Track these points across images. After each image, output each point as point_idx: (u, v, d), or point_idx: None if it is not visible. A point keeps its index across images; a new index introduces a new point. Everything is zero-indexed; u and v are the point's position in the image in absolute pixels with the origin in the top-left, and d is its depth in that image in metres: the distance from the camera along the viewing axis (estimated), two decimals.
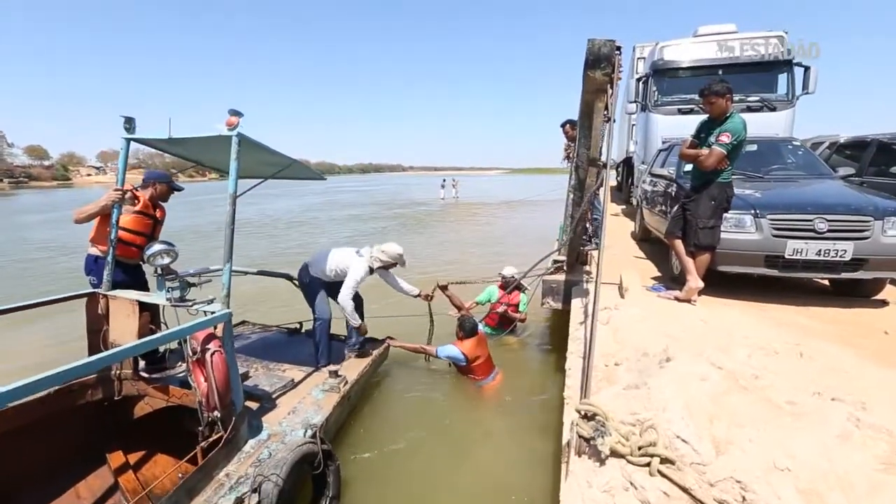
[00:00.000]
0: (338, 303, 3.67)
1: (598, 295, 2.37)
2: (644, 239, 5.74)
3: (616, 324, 2.79)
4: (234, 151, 2.20)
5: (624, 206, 9.44)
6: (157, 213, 3.12)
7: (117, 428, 2.59)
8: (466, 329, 3.93)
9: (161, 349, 3.14)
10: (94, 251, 2.91)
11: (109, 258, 2.62)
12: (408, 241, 10.89)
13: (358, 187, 49.90)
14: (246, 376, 2.92)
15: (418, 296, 3.89)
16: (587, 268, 4.46)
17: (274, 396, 2.75)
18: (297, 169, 3.03)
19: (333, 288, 3.54)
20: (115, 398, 2.56)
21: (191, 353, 2.14)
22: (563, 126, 5.56)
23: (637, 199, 6.44)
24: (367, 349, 3.67)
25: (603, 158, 3.22)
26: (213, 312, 2.17)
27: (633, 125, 9.62)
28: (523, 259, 5.38)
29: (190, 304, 2.27)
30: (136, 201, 2.96)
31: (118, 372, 2.57)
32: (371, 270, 3.46)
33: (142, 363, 2.96)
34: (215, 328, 2.19)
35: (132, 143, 2.54)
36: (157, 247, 2.38)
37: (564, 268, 4.27)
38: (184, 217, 17.80)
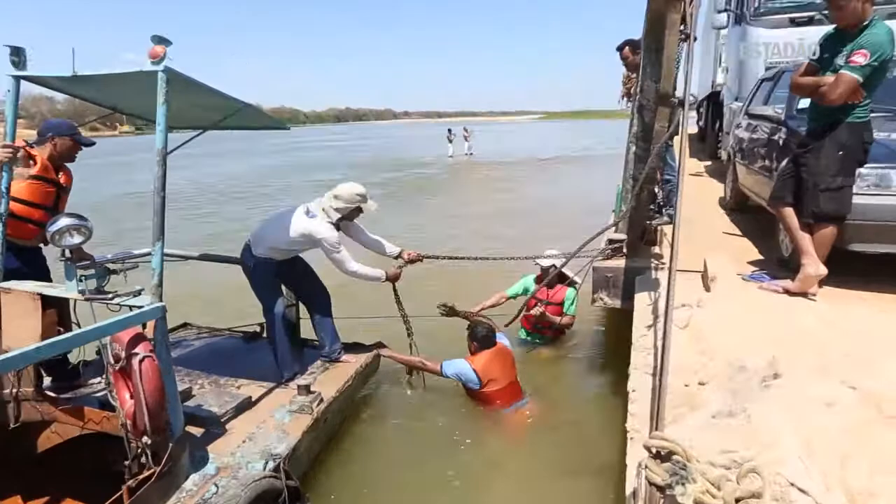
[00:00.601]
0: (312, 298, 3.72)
1: (673, 287, 2.28)
2: (738, 208, 5.63)
3: (699, 327, 2.74)
4: (161, 93, 2.24)
5: (709, 163, 9.28)
6: (61, 178, 3.13)
7: (15, 464, 2.63)
8: (478, 337, 3.89)
9: (73, 360, 3.19)
10: None
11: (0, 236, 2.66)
12: (400, 220, 10.84)
13: (331, 141, 49.28)
14: (188, 394, 3.02)
15: (399, 256, 3.95)
16: (656, 250, 4.39)
17: (224, 419, 2.86)
18: (250, 116, 3.05)
19: (287, 269, 3.61)
20: (12, 426, 2.62)
21: (112, 361, 2.21)
22: (620, 49, 5.36)
23: (728, 152, 6.28)
24: (348, 358, 3.74)
25: (679, 94, 3.15)
26: (140, 307, 2.25)
27: (723, 45, 9.32)
28: (565, 240, 5.29)
29: (110, 296, 2.33)
30: (32, 162, 2.98)
31: (14, 391, 2.62)
32: (337, 226, 3.52)
33: (47, 379, 3.01)
34: (144, 327, 2.27)
35: (22, 83, 2.57)
36: (63, 221, 2.40)
37: (624, 250, 4.19)
38: (84, 187, 17.93)
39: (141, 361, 2.13)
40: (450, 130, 28.26)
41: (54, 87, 2.71)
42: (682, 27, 2.83)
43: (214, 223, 12.08)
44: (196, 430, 2.68)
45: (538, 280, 4.69)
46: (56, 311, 2.59)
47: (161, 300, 2.30)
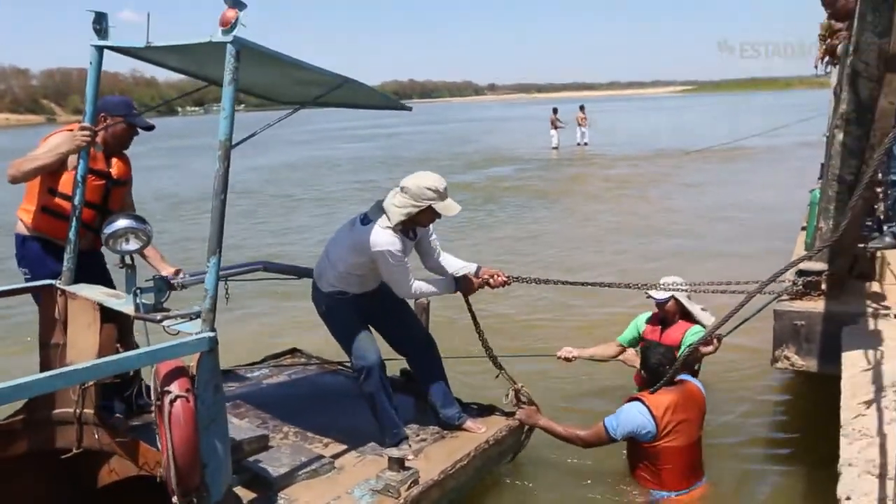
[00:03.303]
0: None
1: None
2: None
3: None
4: (229, 69, 1.98)
5: None
6: (113, 170, 2.96)
7: (75, 499, 2.55)
8: (652, 366, 2.89)
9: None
10: (26, 230, 2.86)
11: (72, 234, 2.60)
12: (468, 248, 8.05)
13: (380, 127, 38.13)
14: (263, 444, 2.68)
15: (476, 275, 3.05)
16: (874, 287, 3.53)
17: (288, 485, 2.48)
18: (355, 92, 2.79)
19: (371, 305, 2.99)
20: (75, 450, 2.50)
21: (153, 397, 2.09)
22: None
23: None
24: (474, 426, 3.04)
25: None
26: (187, 335, 2.07)
27: None
28: (731, 274, 3.80)
29: (158, 317, 2.19)
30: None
31: (78, 411, 2.51)
32: (407, 233, 2.86)
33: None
34: (196, 362, 2.06)
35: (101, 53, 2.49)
36: (120, 223, 2.32)
37: (824, 286, 3.31)
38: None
39: (172, 402, 1.94)
40: (555, 111, 22.49)
41: (145, 58, 2.63)
42: None
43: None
44: (246, 495, 2.35)
45: (652, 320, 3.71)
46: (115, 326, 2.48)
47: (212, 329, 2.06)
